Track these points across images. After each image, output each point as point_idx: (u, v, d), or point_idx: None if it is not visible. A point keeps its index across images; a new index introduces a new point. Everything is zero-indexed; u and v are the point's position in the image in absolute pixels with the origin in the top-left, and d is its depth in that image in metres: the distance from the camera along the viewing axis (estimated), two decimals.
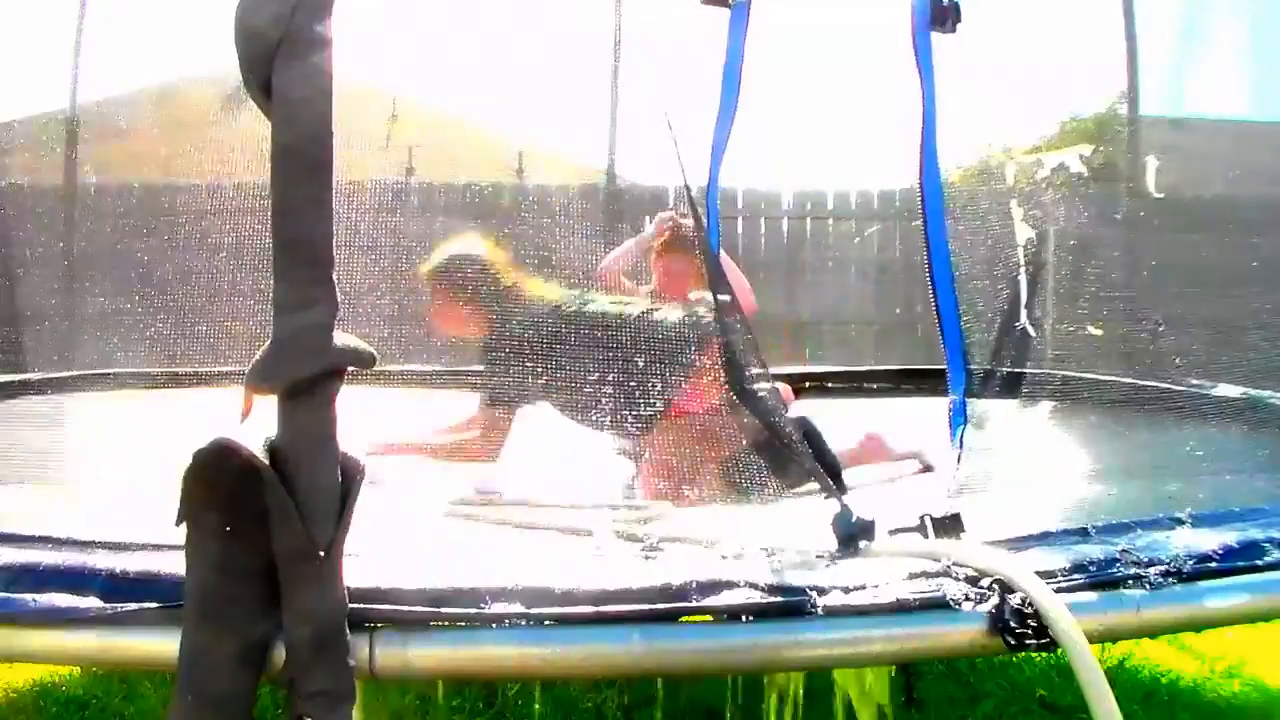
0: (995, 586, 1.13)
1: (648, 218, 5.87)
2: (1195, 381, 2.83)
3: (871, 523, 1.25)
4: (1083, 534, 1.29)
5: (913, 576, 1.15)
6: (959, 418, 1.40)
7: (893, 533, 1.26)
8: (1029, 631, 1.09)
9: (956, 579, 1.14)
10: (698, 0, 1.52)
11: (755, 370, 1.37)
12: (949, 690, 2.28)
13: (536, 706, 2.15)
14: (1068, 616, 1.07)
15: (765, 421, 1.32)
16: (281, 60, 0.88)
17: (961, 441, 1.41)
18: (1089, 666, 1.06)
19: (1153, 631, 1.26)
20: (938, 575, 1.15)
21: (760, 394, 1.34)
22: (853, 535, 1.24)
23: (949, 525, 1.25)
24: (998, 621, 1.10)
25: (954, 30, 1.54)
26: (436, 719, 2.11)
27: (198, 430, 0.97)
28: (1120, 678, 2.31)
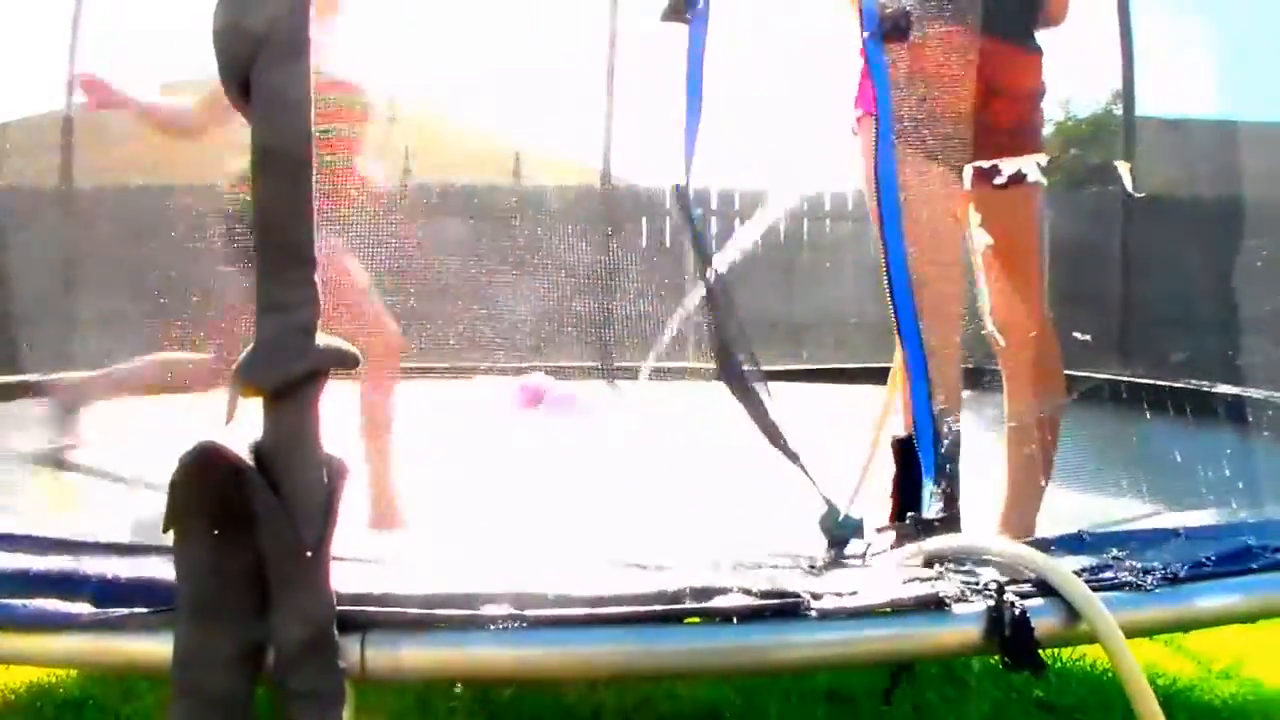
0: (991, 586, 1.12)
1: (644, 218, 5.87)
2: (1194, 381, 2.84)
3: (860, 521, 1.25)
4: (1077, 540, 1.29)
5: (907, 579, 1.15)
6: (925, 423, 1.40)
7: (880, 530, 1.26)
8: (1027, 634, 1.09)
9: (950, 580, 1.14)
10: (659, 19, 1.54)
11: (745, 357, 1.37)
12: (947, 691, 2.27)
13: (535, 708, 2.15)
14: (1105, 613, 1.07)
15: (755, 417, 1.32)
16: (263, 62, 0.88)
17: (934, 447, 1.41)
18: (1129, 665, 1.06)
19: (1146, 632, 1.26)
20: (930, 578, 1.15)
21: (751, 384, 1.34)
22: (843, 535, 1.24)
23: (940, 527, 1.25)
24: (994, 623, 1.10)
25: (907, 40, 1.55)
26: None
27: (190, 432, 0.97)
28: (1117, 679, 2.31)
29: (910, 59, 1.60)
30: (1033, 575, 1.15)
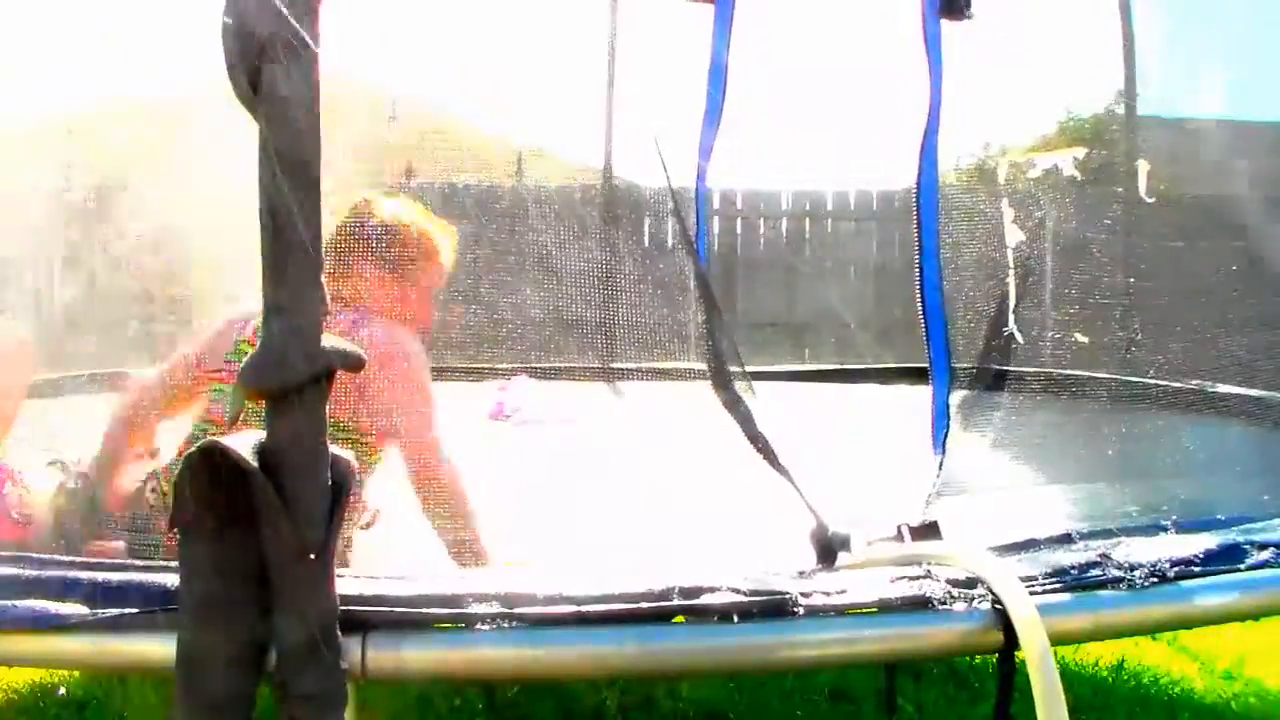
0: (977, 585, 1.13)
1: (647, 217, 5.85)
2: (1195, 382, 2.83)
3: (848, 536, 1.26)
4: (1066, 540, 1.29)
5: (897, 578, 1.15)
6: (941, 421, 1.40)
7: (870, 543, 1.27)
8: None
9: (938, 580, 1.15)
10: None
11: (737, 372, 1.37)
12: (949, 691, 2.28)
13: (536, 708, 2.15)
14: (1034, 613, 1.07)
15: (744, 426, 1.32)
16: (270, 60, 0.87)
17: (944, 446, 1.41)
18: (1047, 669, 1.07)
19: (1138, 630, 1.26)
20: (920, 577, 1.15)
21: (742, 397, 1.34)
22: (830, 548, 1.24)
23: (926, 533, 1.26)
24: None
25: (969, 16, 1.49)
26: None
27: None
28: (1119, 679, 2.31)
29: None
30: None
